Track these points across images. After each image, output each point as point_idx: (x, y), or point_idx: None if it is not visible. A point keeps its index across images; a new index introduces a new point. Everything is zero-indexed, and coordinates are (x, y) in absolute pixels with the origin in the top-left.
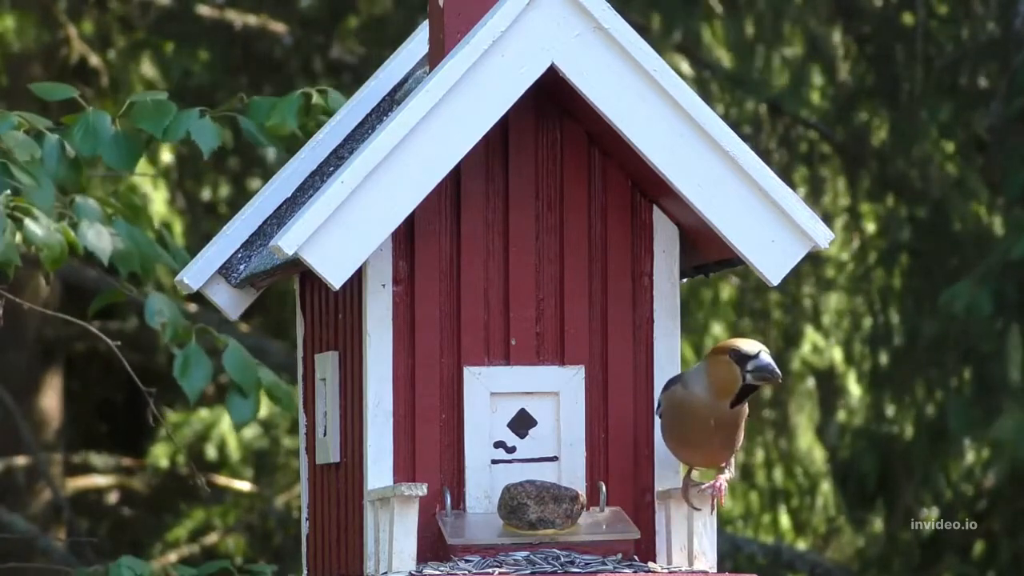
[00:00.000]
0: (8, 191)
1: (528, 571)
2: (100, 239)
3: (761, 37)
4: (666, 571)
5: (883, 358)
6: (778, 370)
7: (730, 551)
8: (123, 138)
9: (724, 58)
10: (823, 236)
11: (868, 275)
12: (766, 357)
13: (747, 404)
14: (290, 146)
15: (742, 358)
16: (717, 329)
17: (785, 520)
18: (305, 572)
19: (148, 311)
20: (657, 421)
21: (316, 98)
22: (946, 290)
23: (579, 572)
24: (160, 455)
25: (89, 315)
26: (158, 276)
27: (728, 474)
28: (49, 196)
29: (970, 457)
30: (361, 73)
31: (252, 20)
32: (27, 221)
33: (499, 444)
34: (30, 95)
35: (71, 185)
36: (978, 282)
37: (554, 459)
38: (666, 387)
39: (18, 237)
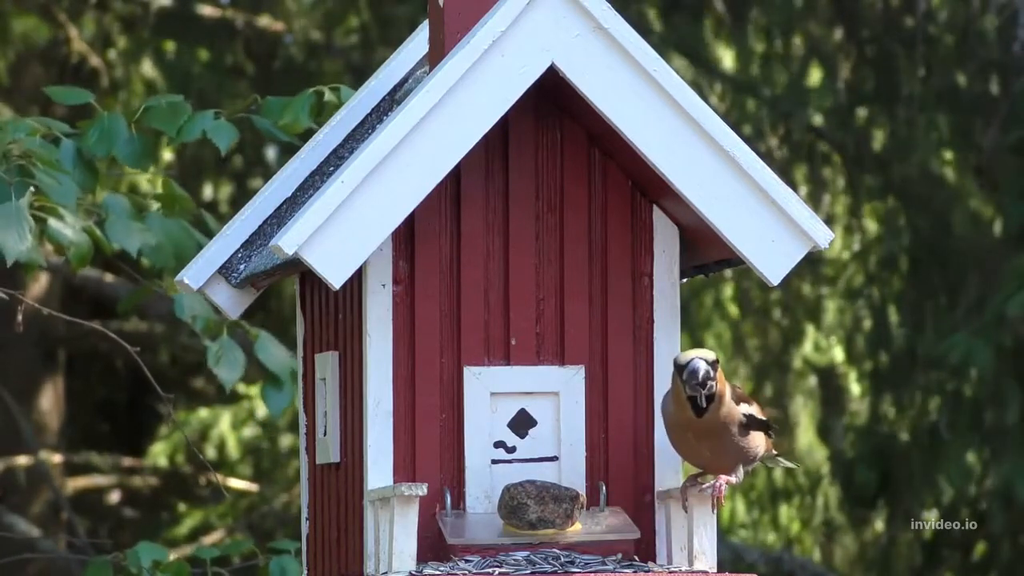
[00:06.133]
0: (31, 190)
1: (528, 571)
2: (129, 235)
3: (766, 39)
4: (666, 571)
5: (883, 359)
6: (700, 376)
7: (731, 559)
8: (138, 138)
9: (726, 59)
10: (823, 236)
11: (868, 277)
12: (696, 364)
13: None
14: (305, 139)
15: (679, 368)
16: (718, 328)
17: (786, 520)
18: (305, 572)
19: (178, 306)
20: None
21: (328, 95)
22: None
23: (579, 572)
24: (160, 454)
25: (120, 314)
26: None
27: (734, 477)
28: (71, 193)
29: (971, 458)
30: (362, 73)
31: (252, 19)
32: (51, 221)
33: (499, 444)
34: (29, 95)
35: (88, 189)
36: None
37: (554, 459)
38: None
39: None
